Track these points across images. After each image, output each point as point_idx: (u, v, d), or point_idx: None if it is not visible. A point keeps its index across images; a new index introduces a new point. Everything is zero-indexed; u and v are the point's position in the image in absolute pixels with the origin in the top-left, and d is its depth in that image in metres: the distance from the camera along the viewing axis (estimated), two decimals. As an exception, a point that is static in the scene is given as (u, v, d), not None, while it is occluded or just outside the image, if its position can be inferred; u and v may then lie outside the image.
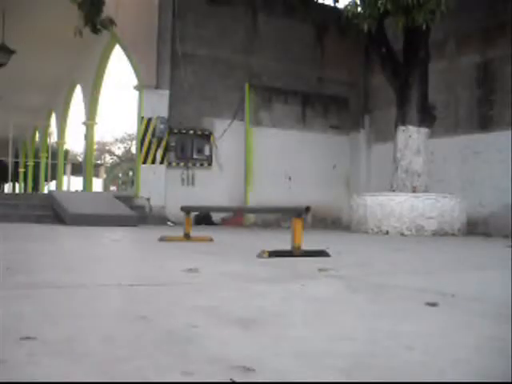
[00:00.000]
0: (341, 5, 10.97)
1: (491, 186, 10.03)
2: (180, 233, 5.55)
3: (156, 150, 10.80)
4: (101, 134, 49.45)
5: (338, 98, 12.76)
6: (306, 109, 12.36)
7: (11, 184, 28.32)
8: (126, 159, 44.61)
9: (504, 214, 9.67)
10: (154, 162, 10.80)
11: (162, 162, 10.85)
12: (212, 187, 11.11)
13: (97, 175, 25.33)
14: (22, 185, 28.61)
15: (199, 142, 11.26)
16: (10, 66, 12.56)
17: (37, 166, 23.78)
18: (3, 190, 29.10)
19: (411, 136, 9.17)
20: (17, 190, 29.36)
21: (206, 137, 11.37)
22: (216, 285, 2.33)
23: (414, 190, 9.01)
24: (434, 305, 1.85)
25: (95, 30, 9.58)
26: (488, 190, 10.08)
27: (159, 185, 10.77)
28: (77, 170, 22.76)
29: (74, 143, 57.24)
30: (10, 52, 12.27)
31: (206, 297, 1.97)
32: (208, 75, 11.38)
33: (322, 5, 12.93)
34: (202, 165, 11.30)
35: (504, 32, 9.98)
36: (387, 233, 8.62)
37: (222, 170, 11.42)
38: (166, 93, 10.85)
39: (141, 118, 10.83)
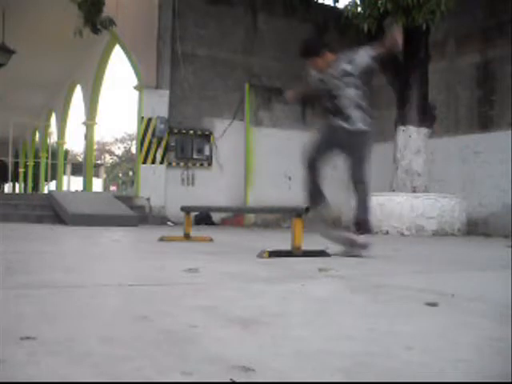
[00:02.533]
0: (341, 5, 10.98)
1: (491, 185, 10.03)
2: (180, 233, 5.55)
3: (156, 150, 10.81)
4: (101, 134, 49.60)
5: (338, 98, 12.76)
6: (306, 109, 12.36)
7: (11, 184, 28.32)
8: (126, 159, 44.65)
9: (504, 213, 9.67)
10: (154, 161, 10.80)
11: (162, 162, 10.85)
12: (212, 187, 11.11)
13: (97, 175, 25.34)
14: (22, 185, 28.61)
15: (199, 142, 11.26)
16: (9, 65, 12.56)
17: (37, 166, 23.78)
18: (3, 190, 29.10)
19: (411, 136, 9.17)
20: (17, 190, 29.36)
21: (206, 137, 11.37)
22: (216, 285, 2.33)
23: (414, 190, 9.01)
24: (433, 305, 1.85)
25: (95, 30, 9.59)
26: (488, 190, 10.09)
27: (159, 185, 10.77)
28: (77, 169, 22.77)
29: (74, 143, 57.34)
30: (10, 52, 12.27)
31: (206, 297, 1.97)
32: (208, 75, 11.38)
33: (322, 5, 12.93)
34: (201, 165, 11.30)
35: (504, 32, 9.98)
36: (387, 233, 8.63)
37: (222, 169, 11.42)
38: (166, 93, 10.85)
39: (141, 118, 10.83)
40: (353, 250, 3.82)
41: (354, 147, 3.92)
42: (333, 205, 12.99)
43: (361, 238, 3.84)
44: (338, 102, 3.92)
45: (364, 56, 3.86)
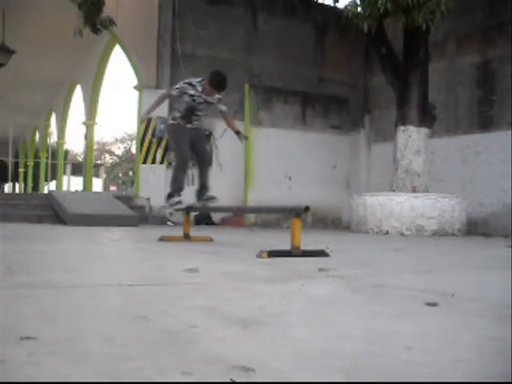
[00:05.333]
0: (341, 5, 10.99)
1: (491, 186, 10.03)
2: (180, 233, 5.55)
3: (156, 150, 10.81)
4: (101, 134, 49.61)
5: (338, 98, 12.76)
6: (306, 109, 12.36)
7: (11, 184, 28.32)
8: (126, 159, 44.65)
9: (504, 213, 9.67)
10: (154, 162, 10.80)
11: (162, 162, 10.85)
12: (212, 187, 11.09)
13: (97, 175, 25.33)
14: (22, 185, 28.60)
15: (199, 142, 11.25)
16: (10, 65, 12.56)
17: (37, 166, 23.78)
18: (3, 190, 29.10)
19: (411, 136, 9.17)
20: (17, 190, 29.35)
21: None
22: (216, 285, 2.33)
23: (414, 190, 9.01)
24: (433, 305, 1.85)
25: (95, 30, 9.58)
26: (488, 190, 10.09)
27: (159, 185, 10.76)
28: (77, 170, 22.76)
29: (74, 143, 57.37)
30: (10, 52, 12.27)
31: (205, 297, 1.97)
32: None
33: (322, 5, 12.93)
34: (202, 165, 11.29)
35: (504, 32, 9.98)
36: (387, 233, 8.63)
37: (222, 169, 11.42)
38: (166, 93, 10.84)
39: (141, 118, 10.83)
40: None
41: (203, 140, 5.96)
42: (333, 204, 12.88)
43: (208, 194, 5.67)
44: (197, 117, 5.55)
45: (222, 105, 5.70)
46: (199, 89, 5.35)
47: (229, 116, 5.91)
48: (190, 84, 5.36)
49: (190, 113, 5.44)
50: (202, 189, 5.70)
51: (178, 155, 5.68)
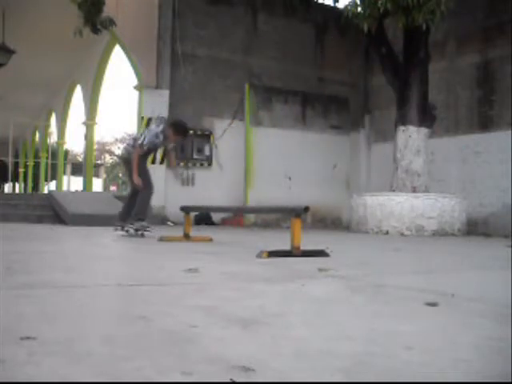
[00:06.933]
0: (341, 5, 10.99)
1: (491, 186, 10.03)
2: (180, 233, 5.55)
3: (156, 150, 10.80)
4: (101, 134, 49.59)
5: (338, 98, 12.76)
6: (306, 109, 12.35)
7: (11, 184, 28.31)
8: (126, 159, 44.49)
9: (504, 213, 9.67)
10: (154, 162, 10.78)
11: (161, 162, 10.84)
12: (212, 187, 11.10)
13: (97, 175, 25.33)
14: (22, 185, 28.59)
15: (199, 142, 11.26)
16: (10, 65, 12.55)
17: (37, 166, 23.76)
18: (3, 190, 29.08)
19: (411, 136, 9.17)
20: (17, 190, 29.34)
21: (206, 137, 11.37)
22: (216, 285, 2.33)
23: (414, 190, 9.00)
24: (433, 305, 1.85)
25: (95, 30, 9.58)
26: (488, 190, 10.08)
27: (159, 185, 10.74)
28: (77, 169, 22.76)
29: (74, 143, 57.38)
30: (10, 52, 12.27)
31: (205, 297, 1.97)
32: (208, 75, 11.38)
33: (322, 5, 12.93)
34: (202, 165, 11.30)
35: (504, 32, 9.98)
36: (387, 233, 8.62)
37: (221, 169, 11.42)
38: (166, 93, 10.84)
39: (141, 118, 10.82)
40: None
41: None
42: (333, 204, 12.91)
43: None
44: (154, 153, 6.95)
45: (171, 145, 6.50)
46: (161, 137, 6.10)
47: (171, 154, 6.78)
48: (156, 136, 6.06)
49: (149, 153, 6.36)
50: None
51: (149, 186, 6.04)
